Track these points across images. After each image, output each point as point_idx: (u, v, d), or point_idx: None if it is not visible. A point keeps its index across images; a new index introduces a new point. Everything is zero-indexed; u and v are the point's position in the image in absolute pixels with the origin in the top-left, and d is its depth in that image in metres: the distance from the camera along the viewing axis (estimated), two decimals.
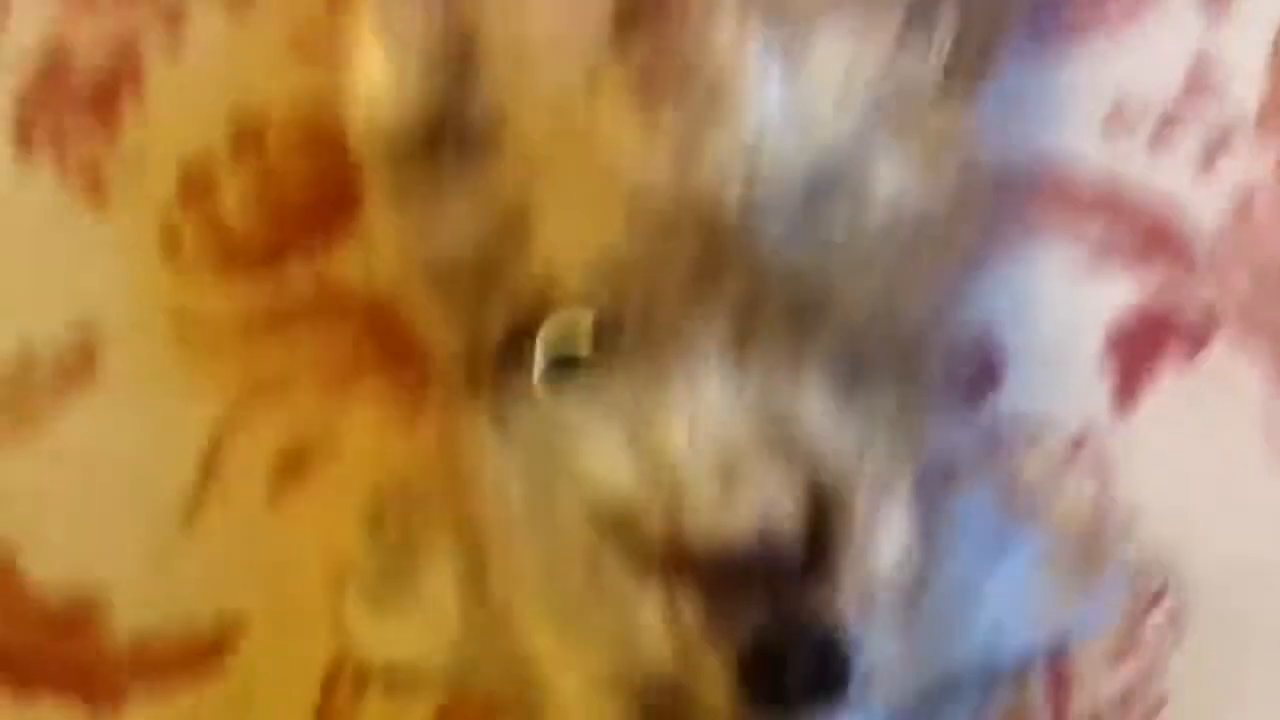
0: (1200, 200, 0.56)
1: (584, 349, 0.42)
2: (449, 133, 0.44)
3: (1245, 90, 0.57)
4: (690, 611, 0.37)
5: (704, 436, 0.39)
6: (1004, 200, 0.53)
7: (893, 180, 0.41)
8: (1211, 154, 0.56)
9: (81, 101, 0.57)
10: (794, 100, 0.38)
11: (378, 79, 0.44)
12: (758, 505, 0.38)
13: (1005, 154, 0.52)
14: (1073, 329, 0.56)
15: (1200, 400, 0.55)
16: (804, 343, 0.41)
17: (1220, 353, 0.55)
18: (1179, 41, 0.57)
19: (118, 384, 0.57)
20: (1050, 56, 0.56)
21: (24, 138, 0.58)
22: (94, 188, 0.57)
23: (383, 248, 0.49)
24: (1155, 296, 0.56)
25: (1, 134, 0.58)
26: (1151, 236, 0.56)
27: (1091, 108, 0.56)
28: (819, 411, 0.40)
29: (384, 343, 0.56)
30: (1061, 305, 0.56)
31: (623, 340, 0.41)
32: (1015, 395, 0.55)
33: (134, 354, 0.57)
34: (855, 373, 0.41)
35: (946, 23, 0.43)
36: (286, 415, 0.56)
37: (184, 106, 0.57)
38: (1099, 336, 0.56)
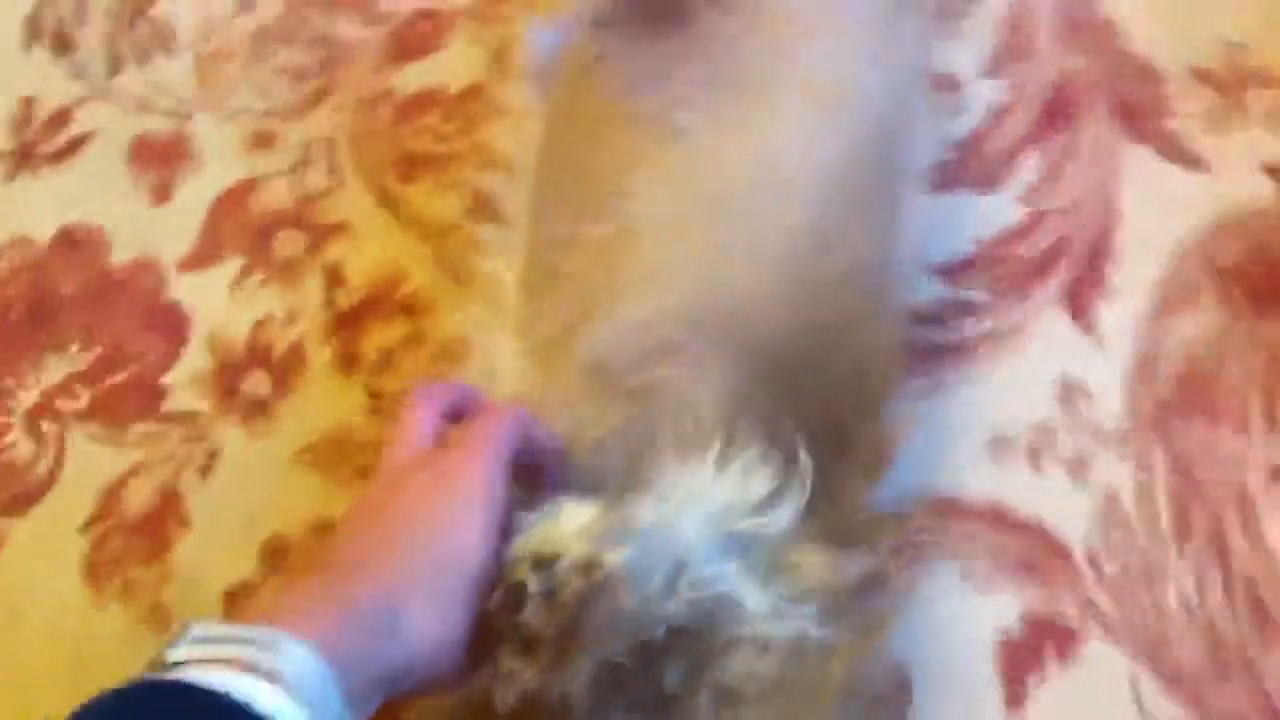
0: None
1: None
2: None
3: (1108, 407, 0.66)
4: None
5: None
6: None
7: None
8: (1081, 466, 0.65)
9: None
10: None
11: None
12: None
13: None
14: (966, 642, 0.63)
15: (1081, 692, 0.63)
16: None
17: (1096, 646, 0.63)
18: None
19: None
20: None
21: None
22: None
23: None
24: (1040, 603, 0.63)
25: None
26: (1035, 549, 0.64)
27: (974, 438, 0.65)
28: None
29: None
30: (954, 620, 0.63)
31: None
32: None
33: None
34: None
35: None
36: None
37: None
38: (990, 646, 0.62)
